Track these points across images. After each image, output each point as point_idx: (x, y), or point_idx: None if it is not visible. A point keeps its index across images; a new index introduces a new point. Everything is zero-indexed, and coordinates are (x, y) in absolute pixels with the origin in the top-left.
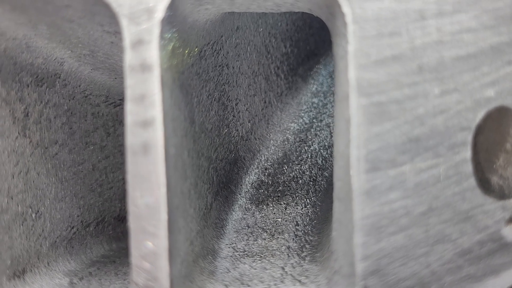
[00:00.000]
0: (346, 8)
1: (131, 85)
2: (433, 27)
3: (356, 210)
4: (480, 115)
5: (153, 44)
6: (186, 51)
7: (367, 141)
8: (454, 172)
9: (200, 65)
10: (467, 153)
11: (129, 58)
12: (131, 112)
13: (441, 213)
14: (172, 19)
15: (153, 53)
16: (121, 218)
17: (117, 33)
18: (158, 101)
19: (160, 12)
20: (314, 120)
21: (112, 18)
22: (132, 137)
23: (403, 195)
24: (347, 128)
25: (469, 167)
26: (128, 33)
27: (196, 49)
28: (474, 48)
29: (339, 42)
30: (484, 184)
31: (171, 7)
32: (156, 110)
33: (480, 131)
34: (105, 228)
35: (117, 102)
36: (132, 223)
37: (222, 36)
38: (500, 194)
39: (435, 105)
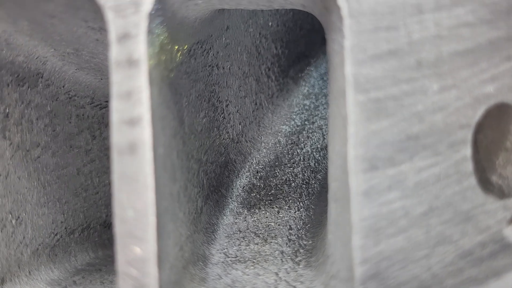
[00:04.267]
0: (341, 2)
1: (117, 81)
2: (430, 21)
3: (354, 211)
4: (479, 112)
5: (140, 38)
6: (175, 48)
7: (364, 139)
8: (454, 170)
9: (190, 64)
10: (467, 151)
11: (115, 52)
12: (117, 110)
13: (441, 213)
14: (160, 13)
15: (140, 48)
16: (108, 225)
17: (102, 29)
18: (146, 98)
19: (147, 4)
20: (306, 122)
21: (96, 12)
22: (118, 136)
23: (402, 195)
24: (344, 125)
25: (469, 166)
26: (114, 26)
27: (185, 47)
28: (472, 43)
29: (334, 37)
30: (485, 183)
31: (160, 0)
32: (143, 108)
33: (479, 129)
34: (91, 235)
35: (103, 104)
36: (118, 226)
37: (211, 36)
38: (500, 194)
39: (434, 101)
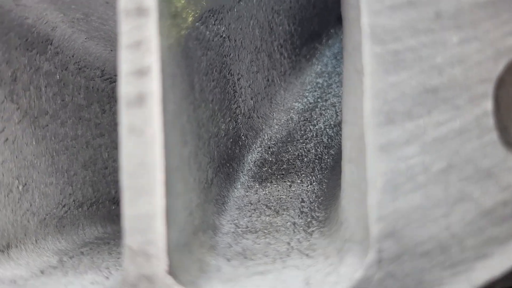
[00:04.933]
0: None
1: (126, 31)
2: None
3: (370, 167)
4: (501, 65)
5: None
6: (186, 10)
7: (381, 92)
8: (475, 125)
9: (201, 31)
10: (488, 105)
11: (124, 1)
12: (126, 60)
13: (461, 169)
14: None
15: None
16: (117, 201)
17: None
18: (155, 48)
19: None
20: (319, 100)
21: None
22: (126, 87)
23: (421, 150)
24: (360, 79)
25: (490, 121)
26: None
27: (197, 12)
28: None
29: None
30: (507, 139)
31: None
32: (153, 58)
33: (501, 83)
34: (99, 210)
35: (113, 78)
36: (125, 180)
37: (224, 6)
38: None
39: (453, 54)
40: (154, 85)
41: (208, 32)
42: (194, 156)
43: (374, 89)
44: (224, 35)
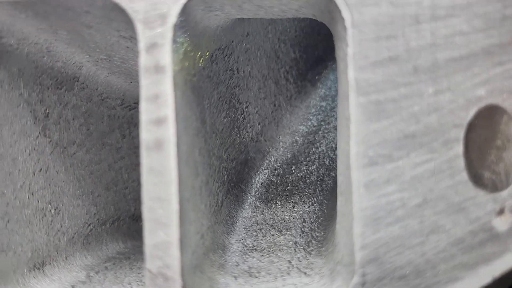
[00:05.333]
0: (345, 13)
1: (146, 85)
2: (427, 30)
3: (355, 202)
4: (471, 113)
5: (166, 47)
6: (198, 55)
7: (365, 138)
8: (448, 166)
9: (211, 68)
10: (460, 148)
11: (144, 60)
12: (146, 111)
13: (435, 205)
14: (184, 24)
15: (166, 56)
16: (136, 218)
17: (133, 38)
18: (171, 100)
19: (172, 17)
20: (322, 123)
21: (128, 23)
22: (146, 134)
23: (400, 188)
24: (347, 125)
25: (461, 162)
26: (143, 37)
27: (207, 53)
28: (466, 50)
29: (339, 45)
30: (476, 178)
31: (183, 13)
32: (168, 109)
33: (472, 128)
34: (121, 226)
35: (132, 106)
36: (146, 214)
37: (232, 42)
38: (493, 188)
39: (429, 103)
40: (170, 132)
41: (218, 68)
42: (205, 184)
43: (359, 135)
44: (233, 68)
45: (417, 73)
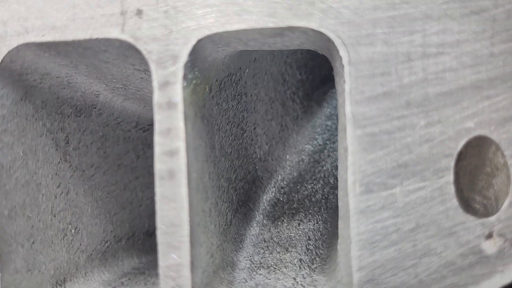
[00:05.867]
0: (343, 52)
1: (159, 120)
2: (419, 67)
3: (353, 227)
4: (461, 143)
5: (178, 85)
6: (207, 86)
7: (362, 167)
8: (439, 193)
9: (220, 95)
10: (450, 177)
11: (157, 97)
12: (159, 143)
13: (427, 229)
14: (193, 62)
15: (177, 93)
16: (150, 233)
17: (147, 71)
18: (182, 133)
19: (183, 57)
20: (327, 142)
21: (142, 59)
22: (160, 165)
23: (394, 214)
24: (345, 155)
25: (452, 189)
26: (156, 75)
27: (216, 82)
28: (455, 85)
29: (338, 80)
30: (466, 204)
31: (193, 53)
32: (180, 141)
33: (462, 157)
34: (135, 242)
35: (146, 127)
36: (160, 238)
37: (240, 68)
38: (484, 212)
39: (421, 135)
40: (181, 162)
41: (226, 95)
42: (214, 206)
43: (356, 164)
44: (241, 93)
45: (409, 107)
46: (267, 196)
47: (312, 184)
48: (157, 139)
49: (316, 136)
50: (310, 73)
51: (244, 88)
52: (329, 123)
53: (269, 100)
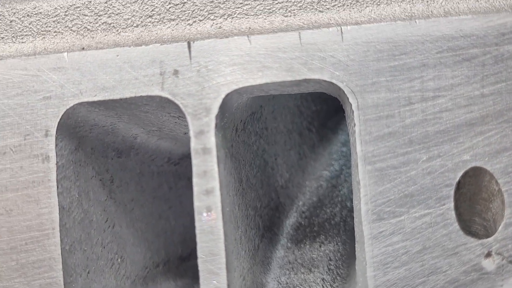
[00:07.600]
0: (352, 99)
1: (196, 164)
2: (419, 109)
3: (367, 250)
4: (459, 174)
5: (211, 133)
6: (233, 128)
7: (373, 198)
8: (442, 219)
9: (245, 133)
10: (451, 204)
11: (194, 144)
12: (197, 184)
13: (433, 251)
14: (223, 112)
15: (211, 140)
16: (183, 258)
17: (181, 117)
18: (216, 174)
19: (215, 109)
20: (343, 167)
21: (177, 108)
22: (198, 202)
23: (403, 238)
24: (358, 188)
25: (453, 215)
26: (192, 125)
27: (240, 123)
28: (452, 124)
29: (349, 122)
30: (466, 227)
31: (222, 105)
32: (215, 182)
33: (461, 186)
34: (171, 267)
35: (176, 161)
36: (201, 266)
37: (261, 106)
38: (484, 233)
39: (423, 168)
40: (217, 200)
41: (249, 132)
42: (244, 233)
43: (368, 196)
44: (262, 128)
45: (412, 144)
46: (290, 221)
47: (330, 208)
48: (195, 180)
49: (333, 162)
50: (325, 103)
51: (265, 123)
52: (344, 149)
53: (287, 132)
